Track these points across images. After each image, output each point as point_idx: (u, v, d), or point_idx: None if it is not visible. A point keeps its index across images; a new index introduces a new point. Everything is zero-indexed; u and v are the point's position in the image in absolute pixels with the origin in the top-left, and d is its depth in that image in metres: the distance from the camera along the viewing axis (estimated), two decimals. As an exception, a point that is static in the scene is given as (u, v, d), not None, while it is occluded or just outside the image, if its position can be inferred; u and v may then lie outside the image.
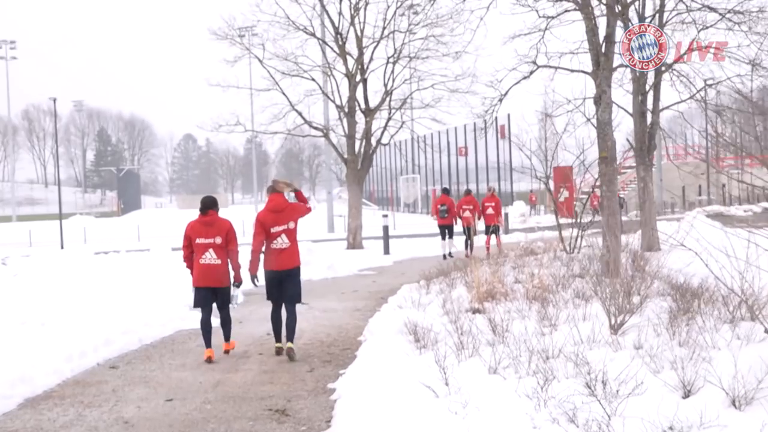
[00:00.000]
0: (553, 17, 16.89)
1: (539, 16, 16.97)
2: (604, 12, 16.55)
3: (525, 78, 16.75)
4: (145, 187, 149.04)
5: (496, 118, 51.25)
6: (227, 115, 31.41)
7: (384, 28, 30.80)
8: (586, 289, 12.58)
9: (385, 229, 28.55)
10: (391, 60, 31.43)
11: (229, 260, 11.16)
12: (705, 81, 23.68)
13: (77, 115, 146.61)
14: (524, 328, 9.96)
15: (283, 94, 30.83)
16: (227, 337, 11.57)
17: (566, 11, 16.64)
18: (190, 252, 11.15)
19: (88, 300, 16.11)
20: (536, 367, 7.91)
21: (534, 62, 16.83)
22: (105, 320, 12.79)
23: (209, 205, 11.16)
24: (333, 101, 31.11)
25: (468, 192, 26.75)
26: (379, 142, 32.00)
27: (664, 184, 51.17)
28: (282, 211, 11.11)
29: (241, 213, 75.36)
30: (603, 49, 15.31)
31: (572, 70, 16.65)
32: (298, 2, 30.53)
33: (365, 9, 30.89)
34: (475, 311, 11.94)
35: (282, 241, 11.04)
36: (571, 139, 25.78)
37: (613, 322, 9.62)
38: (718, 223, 24.65)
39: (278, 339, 11.40)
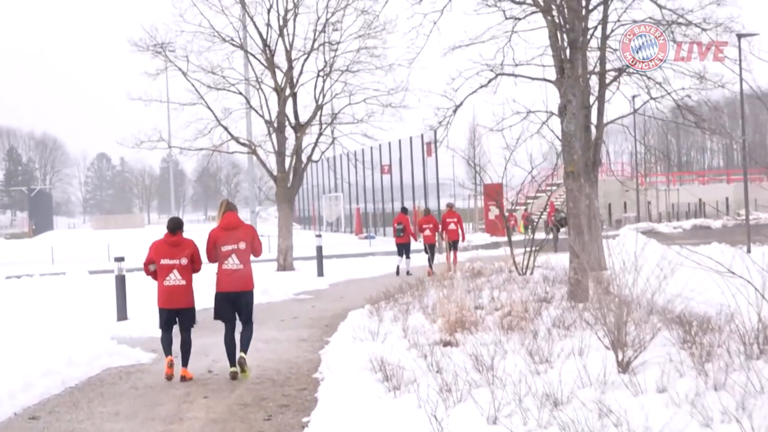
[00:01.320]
0: (519, 18, 15.84)
1: (506, 18, 15.94)
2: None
3: (482, 87, 15.69)
4: (57, 207, 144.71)
5: (422, 135, 50.87)
6: (149, 131, 29.73)
7: (314, 39, 29.55)
8: (564, 316, 11.45)
9: (319, 249, 27.15)
10: (321, 74, 30.17)
11: (192, 280, 11.11)
12: (649, 94, 22.98)
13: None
14: (513, 364, 8.74)
15: (209, 108, 29.32)
16: (185, 362, 11.15)
17: (530, 14, 15.59)
18: (151, 271, 11.16)
19: (1, 334, 14.47)
20: (549, 416, 6.68)
21: (492, 70, 15.77)
22: (22, 359, 11.13)
23: (178, 226, 11.14)
24: (262, 116, 29.69)
25: (428, 211, 27.70)
26: (309, 158, 30.68)
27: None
28: (235, 230, 10.87)
29: (158, 234, 73.25)
30: (568, 55, 14.30)
31: (534, 78, 15.62)
32: (225, 13, 29.11)
33: (294, 20, 29.60)
34: (446, 344, 10.67)
35: (233, 262, 10.76)
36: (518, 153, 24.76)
37: (621, 358, 8.44)
38: (654, 240, 24.11)
39: (233, 363, 10.95)
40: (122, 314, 17.38)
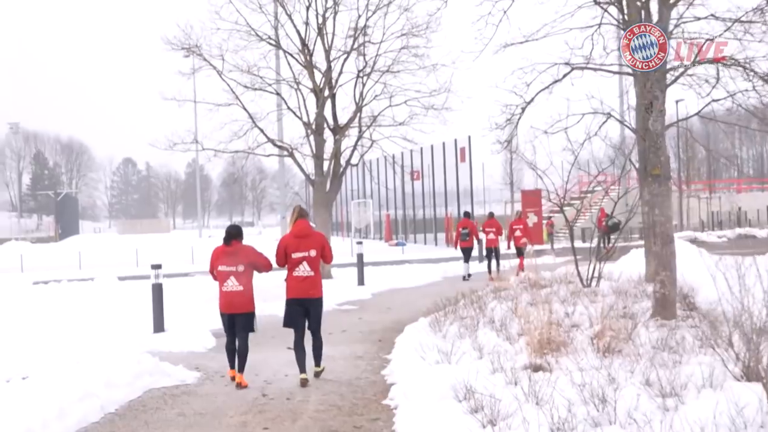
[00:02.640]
0: (603, 4, 14.50)
1: (594, 2, 14.59)
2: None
3: (557, 81, 14.42)
4: (83, 211, 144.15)
5: (455, 140, 49.58)
6: (182, 132, 28.65)
7: (354, 38, 28.37)
8: (666, 336, 10.14)
9: (360, 257, 25.86)
10: (361, 74, 28.98)
11: (252, 285, 11.24)
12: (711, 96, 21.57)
13: (13, 137, 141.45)
14: (633, 397, 7.44)
15: (245, 109, 28.18)
16: (241, 368, 11.14)
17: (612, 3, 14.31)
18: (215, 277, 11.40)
19: (31, 348, 13.33)
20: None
21: (568, 63, 14.49)
22: (55, 380, 9.93)
23: (234, 236, 11.18)
24: (300, 118, 28.48)
25: (491, 215, 27.32)
26: (348, 162, 29.48)
27: (628, 209, 49.27)
28: (306, 237, 10.96)
29: (185, 239, 72.31)
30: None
31: (615, 72, 14.32)
32: (262, 11, 28.00)
33: (334, 18, 28.45)
34: (536, 368, 9.38)
35: (304, 269, 10.90)
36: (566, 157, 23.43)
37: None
38: (704, 251, 22.73)
39: (302, 370, 10.99)
40: (159, 326, 16.20)
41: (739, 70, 17.49)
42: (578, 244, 30.80)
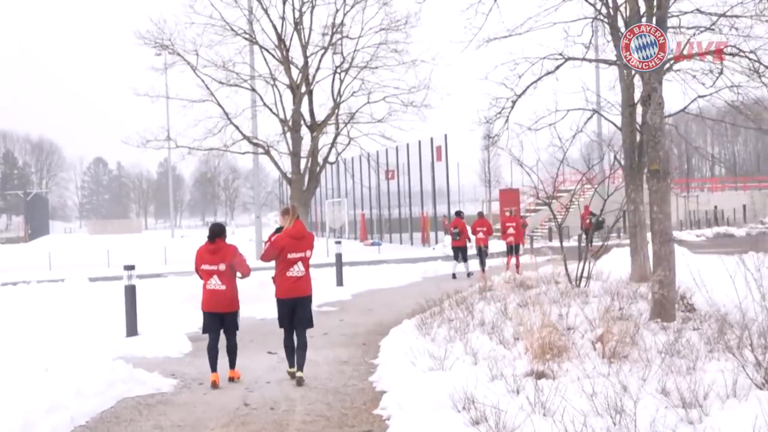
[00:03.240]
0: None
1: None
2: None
3: (550, 73, 13.87)
4: (53, 212, 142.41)
5: (431, 138, 48.99)
6: (156, 129, 27.91)
7: (332, 33, 27.76)
8: (673, 340, 9.59)
9: (339, 257, 25.21)
10: (339, 70, 28.37)
11: (236, 284, 11.24)
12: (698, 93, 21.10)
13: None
14: (649, 408, 6.86)
15: (219, 105, 27.53)
16: (232, 365, 11.25)
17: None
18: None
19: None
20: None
21: (561, 54, 13.94)
22: (22, 390, 9.20)
23: (217, 234, 11.13)
24: (276, 114, 27.87)
25: (481, 215, 27.58)
26: (326, 160, 28.85)
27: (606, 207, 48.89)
28: (303, 238, 11.00)
29: (157, 239, 71.28)
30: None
31: (612, 63, 13.77)
32: (237, 5, 27.34)
33: (311, 13, 27.84)
34: (539, 375, 8.78)
35: (299, 269, 10.94)
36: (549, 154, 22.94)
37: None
38: (686, 250, 22.30)
39: (292, 363, 11.18)
40: (132, 329, 15.48)
41: (735, 63, 17.03)
42: (556, 243, 30.40)
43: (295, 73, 27.88)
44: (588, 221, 36.09)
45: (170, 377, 11.50)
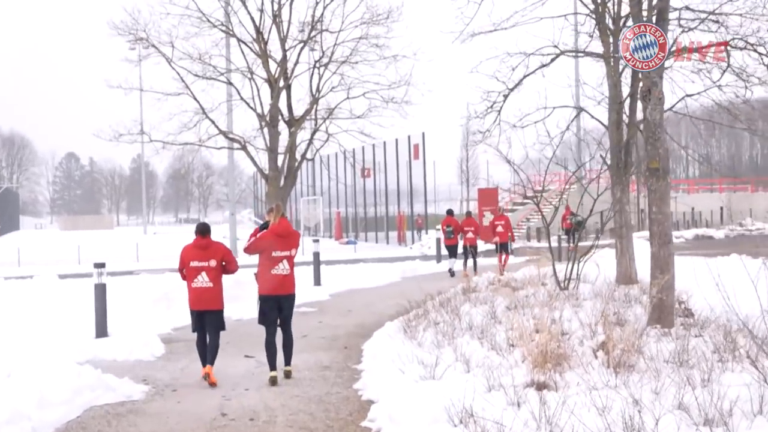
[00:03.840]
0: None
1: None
2: None
3: (544, 66, 13.30)
4: (24, 207, 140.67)
5: (409, 136, 48.40)
6: (129, 123, 27.10)
7: (312, 27, 27.09)
8: (673, 347, 9.03)
9: (317, 256, 24.55)
10: (318, 65, 27.71)
11: (222, 282, 11.19)
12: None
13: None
14: (671, 426, 6.27)
15: (195, 99, 26.76)
16: (211, 361, 10.99)
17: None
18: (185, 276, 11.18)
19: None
20: None
21: (557, 46, 13.37)
22: (-21, 398, 8.51)
23: (206, 231, 11.14)
24: (254, 109, 27.12)
25: (469, 214, 27.83)
26: (304, 156, 28.16)
27: (582, 209, 48.44)
28: (288, 236, 10.94)
29: (129, 235, 70.27)
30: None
31: (601, 57, 13.21)
32: (214, -5, 26.62)
33: (290, 5, 27.11)
34: (540, 386, 8.17)
35: (283, 267, 10.83)
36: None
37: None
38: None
39: (273, 367, 10.84)
40: (102, 330, 14.78)
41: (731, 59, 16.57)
42: (534, 243, 30.05)
43: (273, 66, 27.16)
44: (569, 221, 35.71)
45: (142, 383, 10.82)
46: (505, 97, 14.93)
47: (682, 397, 7.03)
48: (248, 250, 11.04)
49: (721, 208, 61.80)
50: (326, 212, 67.84)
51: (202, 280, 10.91)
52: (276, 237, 10.81)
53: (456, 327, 12.60)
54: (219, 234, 59.47)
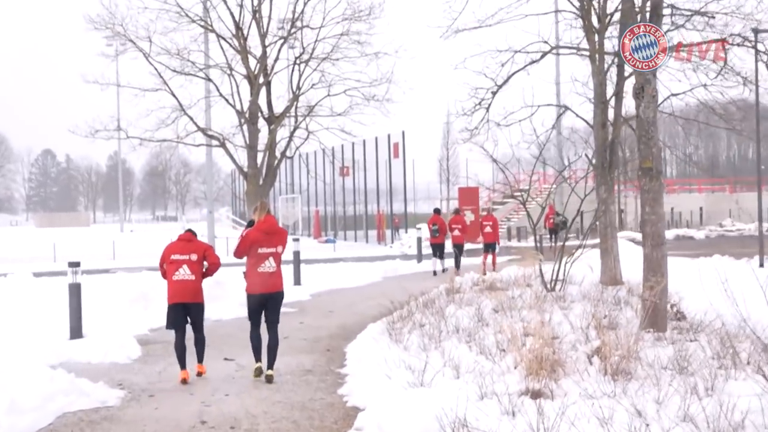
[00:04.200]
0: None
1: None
2: None
3: (534, 62, 12.98)
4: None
5: (389, 135, 48.05)
6: (105, 119, 26.54)
7: (292, 23, 26.66)
8: (671, 353, 8.72)
9: (297, 255, 24.16)
10: (298, 61, 27.26)
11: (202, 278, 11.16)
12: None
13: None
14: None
15: (173, 95, 26.21)
16: (200, 358, 11.22)
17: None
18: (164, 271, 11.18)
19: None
20: None
21: (547, 42, 13.05)
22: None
23: (191, 231, 11.48)
24: (233, 106, 26.63)
25: (457, 212, 28.29)
26: (284, 154, 27.70)
27: (565, 209, 48.26)
28: (275, 234, 10.90)
29: (105, 233, 69.58)
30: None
31: (592, 55, 12.90)
32: (192, -10, 26.09)
33: (271, 0, 26.65)
34: (535, 394, 7.83)
35: (270, 265, 10.79)
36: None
37: None
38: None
39: (258, 358, 10.93)
40: (76, 331, 14.33)
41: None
42: (514, 243, 29.87)
43: (252, 63, 26.67)
44: (552, 221, 35.60)
45: (117, 388, 10.40)
46: (494, 93, 14.64)
47: (687, 408, 6.70)
48: (236, 253, 10.92)
49: (701, 209, 61.84)
50: (305, 210, 67.50)
51: (184, 273, 10.89)
52: (261, 233, 10.73)
53: (442, 330, 12.28)
54: (197, 232, 59.09)
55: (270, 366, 10.79)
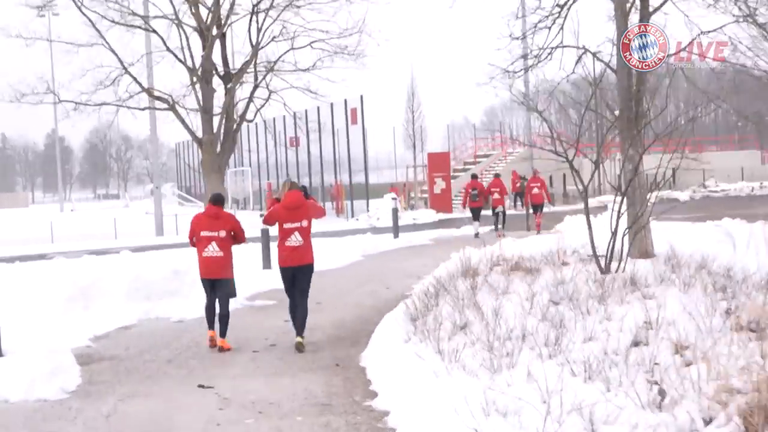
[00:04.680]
0: None
1: None
2: None
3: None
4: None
5: (345, 100, 44.56)
6: (33, 81, 22.76)
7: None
8: None
9: (265, 233, 20.34)
10: (257, 10, 23.72)
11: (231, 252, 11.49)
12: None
13: None
14: None
15: (112, 50, 22.62)
16: (223, 333, 11.23)
17: None
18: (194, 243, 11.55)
19: None
20: None
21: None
22: None
23: (219, 201, 11.53)
24: (183, 62, 23.06)
25: (497, 175, 29.02)
26: (243, 117, 24.12)
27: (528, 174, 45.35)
28: (298, 209, 11.00)
29: (44, 214, 65.33)
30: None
31: None
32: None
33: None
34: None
35: (296, 239, 11.00)
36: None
37: None
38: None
39: (299, 332, 11.07)
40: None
41: None
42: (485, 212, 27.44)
43: (204, 12, 23.11)
44: (518, 186, 37.44)
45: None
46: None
47: None
48: (265, 220, 11.43)
49: (673, 170, 59.39)
50: (256, 184, 63.93)
51: (213, 250, 11.24)
52: (284, 210, 10.99)
53: (498, 334, 8.86)
54: (141, 209, 55.11)
55: (299, 333, 11.03)
